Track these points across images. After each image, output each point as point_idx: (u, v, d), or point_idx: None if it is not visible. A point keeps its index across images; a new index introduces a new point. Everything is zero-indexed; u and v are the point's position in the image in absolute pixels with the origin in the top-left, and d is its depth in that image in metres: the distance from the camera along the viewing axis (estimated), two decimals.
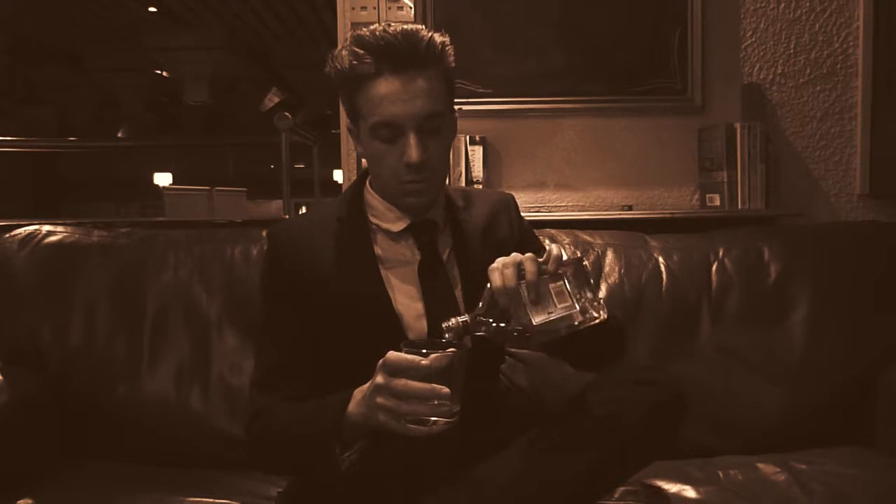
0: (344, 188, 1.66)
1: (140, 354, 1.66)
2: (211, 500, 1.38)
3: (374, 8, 2.18)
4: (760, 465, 1.46)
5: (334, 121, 2.48)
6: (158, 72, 8.89)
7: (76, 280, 1.69)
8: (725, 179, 2.09)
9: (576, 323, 1.00)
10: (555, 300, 1.00)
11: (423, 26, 1.17)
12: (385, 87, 1.11)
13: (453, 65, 1.18)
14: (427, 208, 1.23)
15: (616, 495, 1.28)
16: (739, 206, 2.09)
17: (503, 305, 0.99)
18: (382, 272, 1.21)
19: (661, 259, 1.76)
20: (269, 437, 1.17)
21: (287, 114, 2.89)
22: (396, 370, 0.97)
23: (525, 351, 1.68)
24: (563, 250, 1.05)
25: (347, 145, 2.26)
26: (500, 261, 1.03)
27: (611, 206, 2.24)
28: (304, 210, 4.92)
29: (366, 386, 1.02)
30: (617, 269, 1.75)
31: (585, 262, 1.04)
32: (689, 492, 1.38)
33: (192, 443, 1.61)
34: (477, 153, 2.16)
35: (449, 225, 1.26)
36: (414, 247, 1.22)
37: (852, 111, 2.23)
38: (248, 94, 10.30)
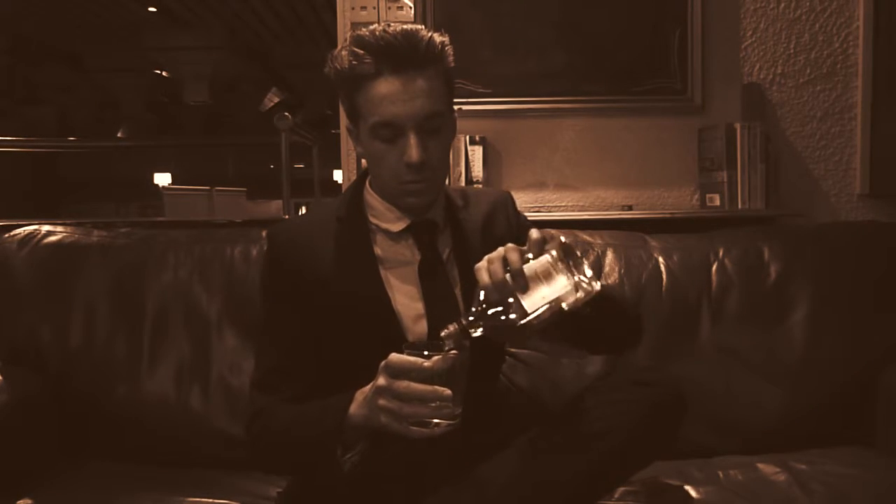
0: (344, 188, 1.66)
1: (140, 354, 1.66)
2: (211, 500, 1.38)
3: (374, 8, 2.18)
4: (760, 465, 1.46)
5: (334, 121, 2.48)
6: (158, 72, 8.89)
7: (76, 280, 1.69)
8: (725, 179, 2.09)
9: (571, 300, 0.98)
10: (544, 283, 0.98)
11: (423, 26, 1.17)
12: (385, 87, 1.11)
13: (453, 65, 1.18)
14: (427, 208, 1.22)
15: (616, 495, 1.28)
16: (739, 206, 2.09)
17: (496, 301, 0.98)
18: (382, 272, 1.21)
19: (661, 259, 1.76)
20: (270, 437, 1.17)
21: (287, 114, 2.89)
22: (398, 372, 0.97)
23: (525, 351, 1.68)
24: (544, 233, 1.03)
25: (347, 145, 2.25)
26: (485, 258, 1.02)
27: (611, 206, 2.24)
28: (304, 210, 4.92)
29: (367, 387, 1.02)
30: (617, 269, 1.75)
31: (565, 240, 1.02)
32: (689, 492, 1.38)
33: (192, 443, 1.61)
34: (477, 153, 2.16)
35: (449, 225, 1.26)
36: (414, 247, 1.22)
37: (852, 111, 2.23)
38: (248, 94, 10.30)
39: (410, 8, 2.18)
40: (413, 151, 1.12)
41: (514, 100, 2.22)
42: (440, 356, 0.97)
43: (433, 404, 0.96)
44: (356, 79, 1.13)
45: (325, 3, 6.64)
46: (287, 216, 2.87)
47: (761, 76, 2.22)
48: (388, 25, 1.13)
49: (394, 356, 0.98)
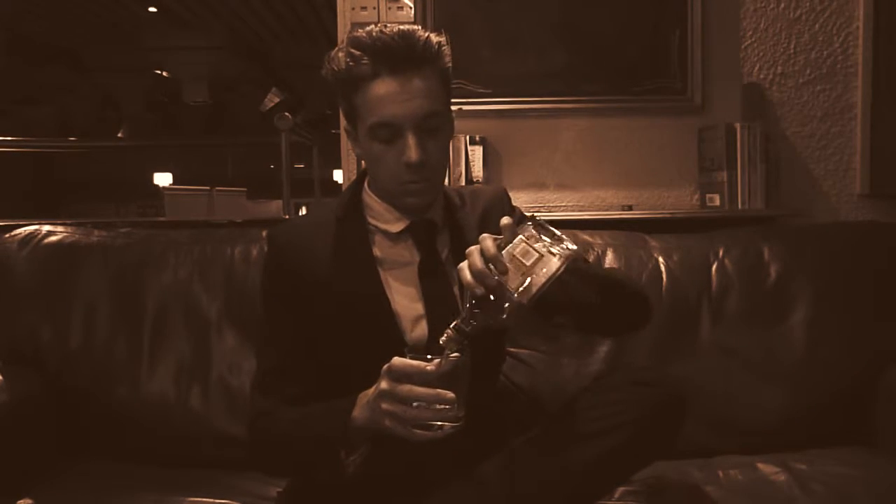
0: (344, 188, 1.66)
1: (140, 354, 1.66)
2: (211, 500, 1.38)
3: (374, 8, 2.18)
4: (760, 465, 1.46)
5: (334, 121, 2.48)
6: (158, 72, 8.88)
7: (76, 280, 1.69)
8: (725, 179, 2.09)
9: (554, 270, 0.97)
10: (524, 262, 0.97)
11: (420, 26, 1.17)
12: (383, 87, 1.11)
13: (450, 64, 1.18)
14: (427, 208, 1.22)
15: (616, 495, 1.28)
16: (739, 206, 2.09)
17: (483, 295, 0.97)
18: (381, 273, 1.20)
19: (661, 259, 1.76)
20: (272, 440, 1.17)
21: (287, 114, 2.89)
22: (401, 376, 0.97)
23: (525, 351, 1.68)
24: (515, 216, 1.02)
25: (347, 145, 2.25)
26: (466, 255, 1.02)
27: (611, 206, 2.24)
28: (304, 210, 4.92)
29: (370, 390, 1.02)
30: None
31: (537, 216, 1.02)
32: (690, 492, 1.38)
33: (192, 443, 1.61)
34: (477, 153, 2.16)
35: (447, 224, 1.26)
36: (413, 247, 1.22)
37: (852, 111, 2.23)
38: (248, 94, 10.29)
39: (410, 8, 2.18)
40: (412, 152, 1.12)
41: (514, 100, 2.22)
42: (442, 359, 0.97)
43: (436, 407, 0.96)
44: (353, 80, 1.13)
45: (325, 3, 6.64)
46: (287, 216, 2.87)
47: (761, 76, 2.22)
48: (385, 26, 1.13)
49: (396, 360, 0.98)
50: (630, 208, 2.21)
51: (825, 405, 1.64)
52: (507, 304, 0.97)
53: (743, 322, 1.71)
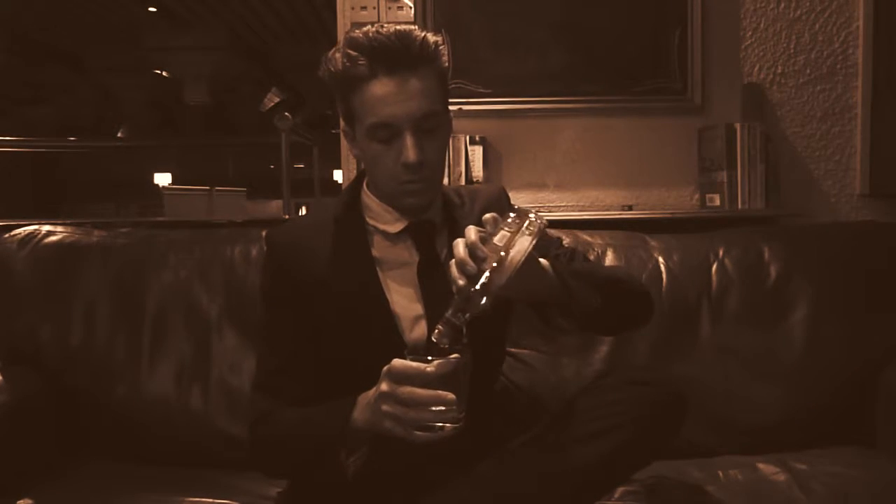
0: (343, 188, 1.66)
1: (140, 354, 1.65)
2: (211, 500, 1.38)
3: (374, 8, 2.18)
4: (760, 465, 1.46)
5: (334, 121, 2.48)
6: (158, 72, 8.88)
7: (76, 280, 1.69)
8: (725, 179, 2.09)
9: (526, 246, 0.99)
10: (499, 246, 0.99)
11: (417, 26, 1.17)
12: (380, 88, 1.11)
13: (447, 64, 1.18)
14: (426, 208, 1.22)
15: (616, 495, 1.28)
16: (739, 206, 2.09)
17: (464, 284, 0.98)
18: (380, 274, 1.20)
19: (661, 259, 1.76)
20: (272, 442, 1.17)
21: (287, 114, 2.90)
22: (401, 378, 0.97)
23: (525, 351, 1.68)
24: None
25: (347, 145, 2.25)
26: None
27: (611, 206, 2.24)
28: (304, 210, 4.92)
29: (370, 392, 1.02)
30: None
31: (523, 209, 1.04)
32: (690, 492, 1.38)
33: (192, 443, 1.61)
34: (477, 153, 2.16)
35: (447, 224, 1.26)
36: (412, 248, 1.22)
37: (852, 111, 2.23)
38: (248, 94, 10.29)
39: (410, 8, 2.18)
40: (410, 152, 1.12)
41: (514, 100, 2.22)
42: (442, 360, 0.97)
43: (437, 409, 0.96)
44: (351, 81, 1.13)
45: (325, 3, 6.64)
46: (287, 216, 2.87)
47: (761, 76, 2.22)
48: (382, 26, 1.12)
49: (396, 362, 0.98)
50: (630, 208, 2.21)
51: (825, 405, 1.64)
52: (483, 287, 0.97)
53: (743, 322, 1.71)
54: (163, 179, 9.95)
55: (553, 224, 1.86)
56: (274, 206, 5.03)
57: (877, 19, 2.17)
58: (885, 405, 1.58)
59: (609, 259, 1.76)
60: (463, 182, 2.14)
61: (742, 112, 2.19)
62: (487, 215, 1.03)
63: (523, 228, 1.00)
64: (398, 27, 1.12)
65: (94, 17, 7.82)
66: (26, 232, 1.75)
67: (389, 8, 2.18)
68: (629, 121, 2.24)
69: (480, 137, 2.17)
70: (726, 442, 1.59)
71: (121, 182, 10.30)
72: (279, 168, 2.96)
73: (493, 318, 1.12)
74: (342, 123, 1.23)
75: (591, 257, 1.76)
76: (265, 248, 1.28)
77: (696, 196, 2.24)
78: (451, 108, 1.24)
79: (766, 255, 1.76)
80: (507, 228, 1.01)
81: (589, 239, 1.81)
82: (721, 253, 1.77)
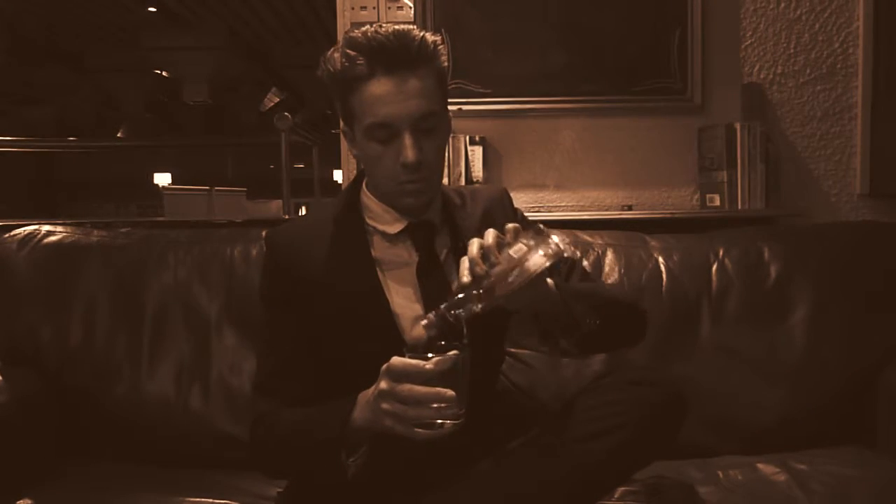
0: (343, 188, 1.66)
1: (140, 354, 1.65)
2: (211, 500, 1.38)
3: (374, 8, 2.18)
4: (760, 465, 1.46)
5: (334, 121, 2.48)
6: (158, 72, 8.89)
7: (76, 280, 1.69)
8: (725, 179, 2.09)
9: (536, 267, 0.99)
10: (513, 257, 1.00)
11: (416, 26, 1.17)
12: (378, 87, 1.11)
13: (446, 64, 1.18)
14: (425, 209, 1.22)
15: (616, 495, 1.28)
16: (739, 206, 2.09)
17: (468, 283, 0.98)
18: (380, 274, 1.20)
19: (661, 259, 1.76)
20: (273, 442, 1.17)
21: (287, 114, 2.90)
22: (400, 376, 0.97)
23: (525, 351, 1.68)
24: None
25: (347, 146, 2.25)
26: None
27: (611, 206, 2.24)
28: (303, 210, 4.93)
29: (370, 391, 1.02)
30: (617, 269, 1.74)
31: (538, 221, 1.05)
32: (689, 492, 1.38)
33: (192, 443, 1.61)
34: (477, 153, 2.16)
35: (446, 225, 1.26)
36: (411, 248, 1.22)
37: (852, 111, 2.23)
38: (248, 94, 10.30)
39: (410, 8, 2.18)
40: (409, 151, 1.12)
41: (514, 100, 2.22)
42: (441, 357, 0.97)
43: (437, 406, 0.96)
44: (349, 81, 1.13)
45: (325, 3, 6.64)
46: (287, 216, 2.87)
47: (761, 76, 2.22)
48: (381, 26, 1.12)
49: (395, 360, 0.98)
50: (630, 208, 2.21)
51: (825, 405, 1.64)
52: (482, 292, 0.98)
53: (743, 322, 1.71)
54: (163, 179, 9.96)
55: (553, 224, 1.87)
56: (274, 206, 5.03)
57: (877, 19, 2.17)
58: (885, 405, 1.58)
59: (609, 259, 1.76)
60: (463, 182, 2.14)
61: (742, 112, 2.19)
62: (510, 225, 1.03)
63: (542, 247, 1.00)
64: (397, 27, 1.12)
65: (94, 17, 7.82)
66: (26, 232, 1.75)
67: (389, 8, 2.18)
68: (629, 121, 2.24)
69: (480, 137, 2.17)
70: (726, 442, 1.59)
71: (121, 182, 10.31)
72: (279, 168, 2.96)
73: (493, 319, 1.12)
74: (341, 124, 1.23)
75: (591, 258, 1.76)
76: (265, 248, 1.27)
77: (696, 196, 2.24)
78: (451, 108, 1.24)
79: (766, 255, 1.76)
80: (525, 242, 1.01)
81: (589, 239, 1.81)
82: (721, 253, 1.77)
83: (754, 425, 1.62)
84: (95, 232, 1.78)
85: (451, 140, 2.05)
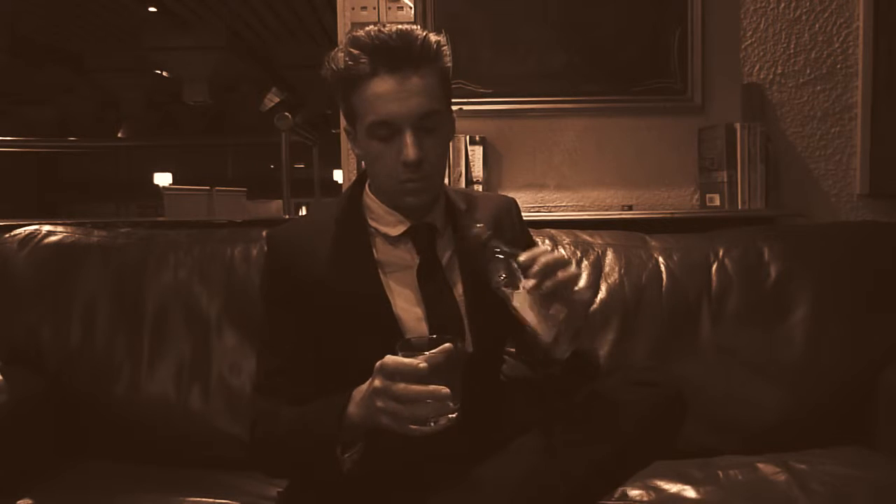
0: (344, 188, 1.66)
1: (140, 354, 1.66)
2: (211, 500, 1.38)
3: (374, 8, 2.18)
4: (760, 465, 1.46)
5: (334, 121, 2.49)
6: (158, 72, 8.89)
7: (76, 280, 1.69)
8: (725, 179, 2.09)
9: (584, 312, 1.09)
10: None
11: (419, 26, 1.17)
12: (381, 86, 1.11)
13: (449, 64, 1.18)
14: (426, 209, 1.22)
15: (616, 495, 1.28)
16: (739, 206, 2.09)
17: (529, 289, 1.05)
18: (382, 276, 1.20)
19: (661, 259, 1.76)
20: (272, 441, 1.17)
21: (287, 114, 2.89)
22: (393, 373, 0.97)
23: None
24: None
25: (347, 145, 2.25)
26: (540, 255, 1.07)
27: (611, 206, 2.24)
28: (303, 210, 4.93)
29: (364, 386, 1.02)
30: (617, 269, 1.75)
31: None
32: (689, 492, 1.38)
33: (192, 443, 1.61)
34: (477, 153, 2.16)
35: (450, 228, 1.26)
36: (413, 250, 1.22)
37: (852, 111, 2.23)
38: (248, 94, 10.30)
39: (410, 8, 2.18)
40: (409, 150, 1.12)
41: (514, 100, 2.22)
42: (434, 352, 0.96)
43: (431, 402, 0.96)
44: (352, 79, 1.13)
45: (325, 3, 6.64)
46: (287, 216, 2.87)
47: (761, 76, 2.22)
48: (384, 25, 1.13)
49: (388, 358, 0.98)
50: (630, 208, 2.21)
51: (825, 405, 1.64)
52: (527, 301, 1.05)
53: (743, 322, 1.71)
54: (163, 179, 9.95)
55: (553, 224, 1.88)
56: (274, 206, 5.02)
57: (877, 19, 2.17)
58: (885, 405, 1.59)
59: (609, 259, 1.76)
60: (463, 182, 2.14)
61: (742, 112, 2.20)
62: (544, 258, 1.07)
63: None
64: (400, 26, 1.13)
65: (94, 17, 7.82)
66: (26, 232, 1.75)
67: (389, 8, 2.18)
68: (629, 121, 2.24)
69: (480, 137, 2.17)
70: (726, 442, 1.59)
71: (121, 182, 10.32)
72: (279, 168, 2.96)
73: (494, 319, 1.12)
74: (344, 123, 1.23)
75: (591, 258, 1.76)
76: (266, 248, 1.27)
77: (696, 196, 2.24)
78: (451, 108, 1.24)
79: (766, 255, 1.76)
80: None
81: (589, 239, 1.81)
82: (721, 253, 1.77)
83: (754, 425, 1.62)
84: (95, 232, 1.78)
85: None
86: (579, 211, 2.22)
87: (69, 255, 1.72)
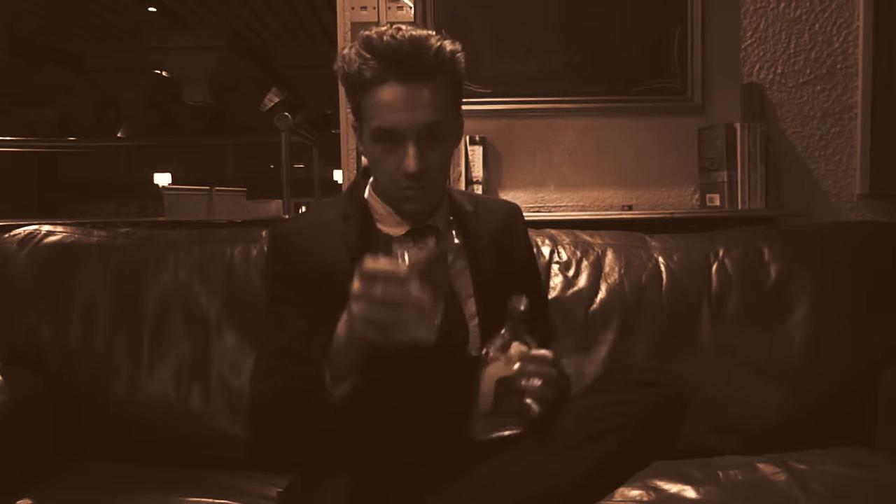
0: (344, 188, 1.65)
1: (140, 354, 1.65)
2: (211, 500, 1.38)
3: (374, 8, 2.18)
4: (760, 465, 1.46)
5: (334, 121, 2.48)
6: (158, 72, 8.89)
7: (76, 280, 1.69)
8: (725, 179, 2.09)
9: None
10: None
11: (434, 32, 1.15)
12: (388, 94, 1.11)
13: (464, 72, 1.18)
14: (426, 215, 1.22)
15: (616, 495, 1.28)
16: (739, 206, 2.09)
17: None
18: None
19: (661, 259, 1.76)
20: (269, 394, 1.14)
21: (287, 114, 2.90)
22: (372, 276, 0.94)
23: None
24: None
25: (347, 145, 2.26)
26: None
27: (611, 206, 2.24)
28: (303, 210, 4.92)
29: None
30: (617, 269, 1.75)
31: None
32: (689, 492, 1.38)
33: (192, 443, 1.61)
34: (477, 153, 2.16)
35: (454, 230, 1.26)
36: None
37: (852, 111, 2.23)
38: (248, 94, 10.30)
39: (410, 8, 2.17)
40: (411, 161, 1.12)
41: (514, 100, 2.22)
42: (414, 250, 0.93)
43: (409, 308, 0.92)
44: (361, 82, 1.13)
45: (325, 3, 6.64)
46: (287, 216, 2.87)
47: (761, 76, 2.22)
48: (398, 30, 1.11)
49: (368, 260, 0.95)
50: (630, 208, 2.21)
51: (825, 405, 1.64)
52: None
53: (743, 322, 1.71)
54: (163, 179, 9.96)
55: (553, 224, 1.88)
56: (274, 206, 5.03)
57: (877, 19, 2.17)
58: (885, 405, 1.59)
59: (609, 259, 1.76)
60: (463, 183, 2.14)
61: (742, 112, 2.19)
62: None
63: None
64: (415, 32, 1.11)
65: (94, 17, 7.82)
66: (26, 232, 1.75)
67: (389, 8, 2.18)
68: (629, 121, 2.24)
69: (480, 137, 2.17)
70: (726, 442, 1.59)
71: (121, 182, 10.31)
72: (279, 168, 2.96)
73: (501, 321, 1.12)
74: (351, 118, 1.23)
75: (591, 258, 1.76)
76: (270, 240, 1.28)
77: (696, 196, 2.24)
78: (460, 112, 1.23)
79: (766, 255, 1.76)
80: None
81: (589, 239, 1.81)
82: (721, 253, 1.77)
83: (754, 425, 1.62)
84: (95, 232, 1.78)
85: None
86: (579, 211, 2.22)
87: (69, 255, 1.72)
